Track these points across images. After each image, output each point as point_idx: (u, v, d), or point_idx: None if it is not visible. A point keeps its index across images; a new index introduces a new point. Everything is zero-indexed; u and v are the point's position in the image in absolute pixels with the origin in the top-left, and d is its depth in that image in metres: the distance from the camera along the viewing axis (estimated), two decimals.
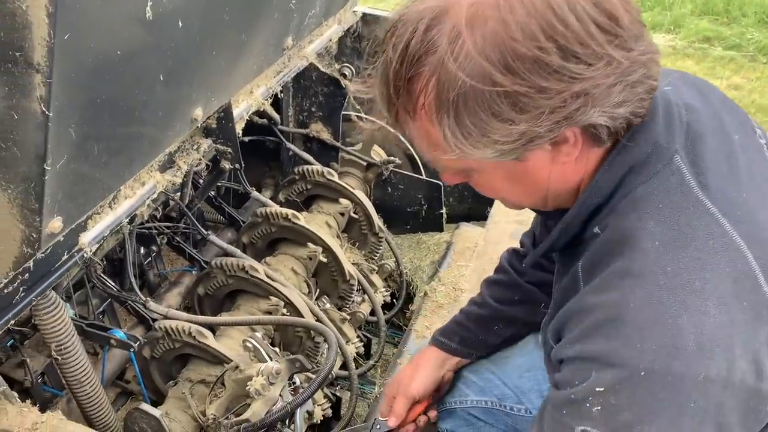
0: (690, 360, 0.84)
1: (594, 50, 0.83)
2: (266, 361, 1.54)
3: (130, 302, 1.71)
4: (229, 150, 1.79)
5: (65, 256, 1.35)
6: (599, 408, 0.89)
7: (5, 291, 1.23)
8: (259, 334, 1.59)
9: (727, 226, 0.90)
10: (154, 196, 1.56)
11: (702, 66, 5.45)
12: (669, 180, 0.93)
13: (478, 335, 1.53)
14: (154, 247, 1.96)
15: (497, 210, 2.42)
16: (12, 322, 1.29)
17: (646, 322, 0.86)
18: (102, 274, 1.71)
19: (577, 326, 0.95)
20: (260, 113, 2.22)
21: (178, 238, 1.97)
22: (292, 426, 1.59)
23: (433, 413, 1.56)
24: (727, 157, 0.97)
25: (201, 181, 2.04)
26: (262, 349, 1.55)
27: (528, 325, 1.53)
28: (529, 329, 1.53)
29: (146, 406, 1.46)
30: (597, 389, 0.89)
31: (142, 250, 1.97)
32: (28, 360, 1.58)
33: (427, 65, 0.85)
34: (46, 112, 0.99)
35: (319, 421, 1.81)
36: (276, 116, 2.30)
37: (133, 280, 1.67)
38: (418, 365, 1.53)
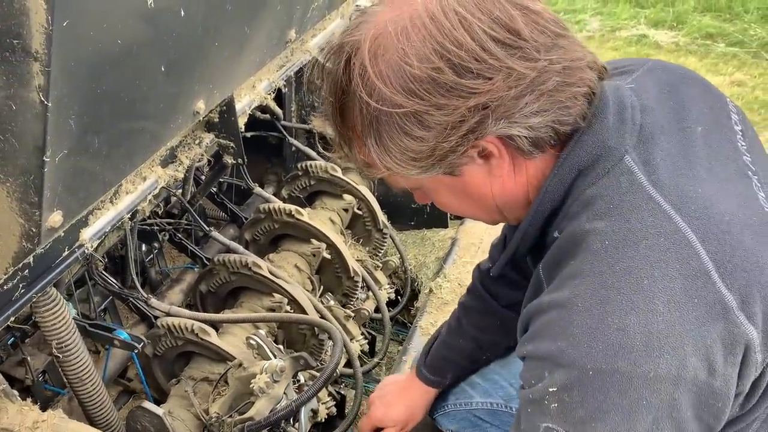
0: (637, 359, 0.84)
1: (491, 64, 0.88)
2: (270, 359, 1.51)
3: (132, 300, 1.68)
4: (232, 145, 1.77)
5: (66, 252, 1.33)
6: (556, 405, 0.90)
7: (5, 287, 1.21)
8: (262, 332, 1.57)
9: (680, 222, 0.89)
10: (156, 191, 1.54)
11: (705, 62, 5.43)
12: (619, 180, 0.94)
13: (469, 367, 1.56)
14: (155, 244, 1.94)
15: None
16: (12, 319, 1.26)
17: (593, 322, 0.86)
18: (103, 271, 1.69)
19: (531, 325, 0.96)
20: (262, 108, 2.19)
21: (179, 235, 1.95)
22: (296, 424, 1.56)
23: None
24: (683, 153, 0.97)
25: (203, 177, 2.02)
26: (265, 347, 1.53)
27: (512, 348, 1.52)
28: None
29: (149, 405, 1.44)
30: (551, 389, 0.90)
31: (143, 247, 1.95)
32: (28, 358, 1.56)
33: (350, 96, 0.94)
34: (45, 103, 0.97)
35: (323, 420, 1.78)
36: (279, 111, 2.28)
37: (134, 277, 1.65)
38: (393, 400, 1.57)
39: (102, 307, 1.78)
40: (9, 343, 1.56)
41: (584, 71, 0.95)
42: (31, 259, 1.21)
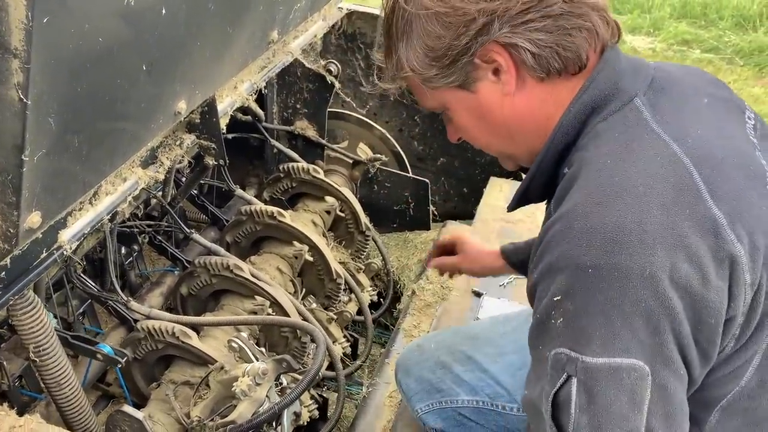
0: (633, 253, 0.88)
1: None
2: (252, 362, 1.50)
3: (111, 303, 1.66)
4: (213, 146, 1.75)
5: (44, 254, 1.31)
6: (561, 320, 0.93)
7: None
8: (244, 334, 1.55)
9: (677, 149, 0.96)
10: (136, 192, 1.52)
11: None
12: (627, 116, 1.01)
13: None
14: (135, 247, 1.91)
15: (484, 208, 2.41)
16: None
17: (592, 224, 0.91)
18: (82, 274, 1.66)
19: (538, 248, 1.00)
20: (244, 110, 2.18)
21: (160, 237, 1.93)
22: (279, 427, 1.55)
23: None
24: (690, 105, 1.04)
25: (183, 179, 2.00)
26: (247, 349, 1.51)
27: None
28: None
29: (129, 409, 1.41)
30: (555, 299, 0.93)
31: (123, 250, 1.92)
32: (4, 363, 1.53)
33: (395, 11, 1.10)
34: (24, 100, 0.95)
35: (306, 423, 1.77)
36: (260, 113, 2.27)
37: (114, 279, 1.63)
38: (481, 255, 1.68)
39: (80, 310, 1.75)
40: None
41: (592, 11, 1.04)
42: (7, 260, 1.19)
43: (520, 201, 1.20)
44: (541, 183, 1.13)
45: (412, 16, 1.07)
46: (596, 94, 1.04)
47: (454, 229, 1.75)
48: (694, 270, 0.88)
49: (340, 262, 2.13)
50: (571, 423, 0.94)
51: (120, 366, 1.51)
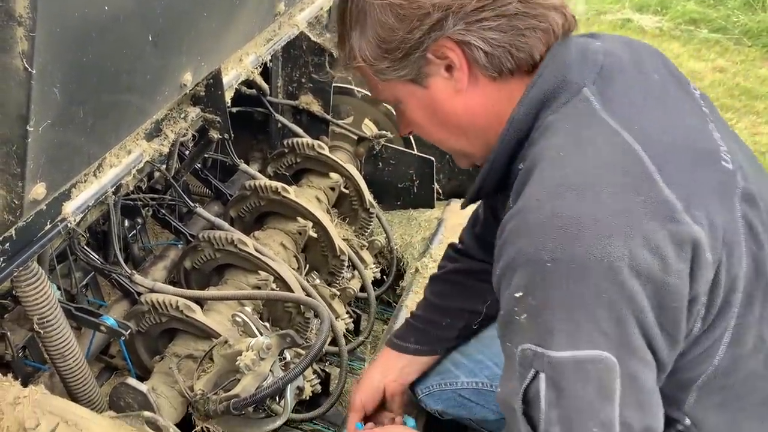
0: (589, 244, 0.87)
1: None
2: (256, 336, 1.50)
3: (115, 275, 1.66)
4: (218, 119, 1.73)
5: (48, 226, 1.30)
6: (525, 316, 0.93)
7: None
8: (248, 309, 1.55)
9: (627, 135, 0.95)
10: (141, 165, 1.51)
11: (688, 48, 5.45)
12: (577, 107, 1.01)
13: (430, 332, 1.56)
14: (139, 220, 1.91)
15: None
16: None
17: (546, 217, 0.90)
18: (86, 247, 1.66)
19: (496, 247, 1.00)
20: (248, 83, 2.16)
21: (163, 211, 1.92)
22: (281, 402, 1.55)
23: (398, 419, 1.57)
24: (638, 90, 1.05)
25: (187, 152, 1.98)
26: (252, 324, 1.51)
27: (476, 314, 1.54)
28: (481, 318, 1.55)
29: (133, 381, 1.42)
30: (516, 295, 0.93)
31: (126, 223, 1.91)
32: (8, 333, 1.53)
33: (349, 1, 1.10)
34: (29, 69, 0.93)
35: (308, 397, 1.78)
36: (265, 86, 2.24)
37: (118, 252, 1.62)
38: (368, 376, 1.56)
39: (84, 282, 1.75)
40: None
41: (548, 11, 1.04)
42: (12, 231, 1.18)
43: (474, 198, 1.21)
44: (495, 180, 1.13)
45: (366, 5, 1.06)
46: (545, 88, 1.04)
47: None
48: (653, 256, 0.88)
49: (343, 239, 2.13)
50: (542, 419, 0.94)
51: (123, 338, 1.51)
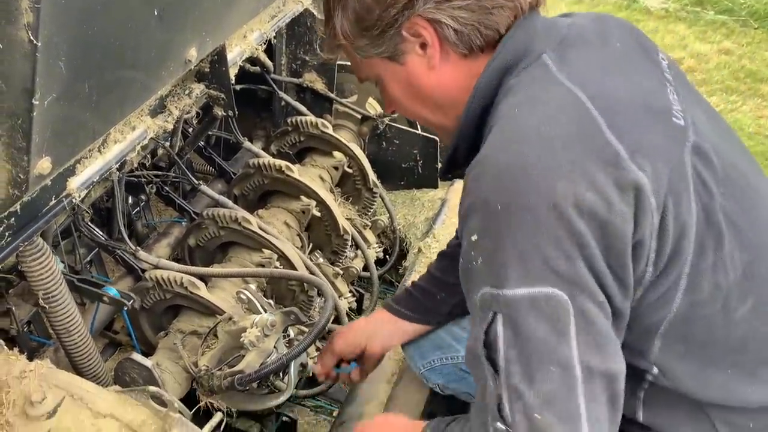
0: (538, 188, 0.92)
1: None
2: (260, 313, 1.51)
3: (119, 252, 1.66)
4: (222, 96, 1.72)
5: (53, 201, 1.30)
6: (480, 260, 0.98)
7: None
8: (253, 286, 1.56)
9: (579, 92, 1.00)
10: (145, 141, 1.50)
11: (694, 29, 5.41)
12: (535, 70, 1.07)
13: (425, 303, 1.59)
14: (143, 197, 1.90)
15: None
16: None
17: (500, 166, 0.96)
18: (90, 223, 1.66)
19: (462, 196, 1.05)
20: (252, 61, 2.14)
21: (167, 188, 1.92)
22: (285, 378, 1.56)
23: (355, 373, 1.62)
24: (596, 55, 1.09)
25: (191, 130, 1.98)
26: (256, 301, 1.52)
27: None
28: None
29: (138, 356, 1.43)
30: (472, 239, 0.98)
31: (130, 200, 1.91)
32: (13, 308, 1.53)
33: None
34: (34, 42, 0.92)
35: (311, 374, 1.79)
36: (269, 64, 2.23)
37: (122, 228, 1.62)
38: (355, 326, 1.60)
39: (88, 258, 1.75)
40: None
41: None
42: (17, 206, 1.18)
43: (448, 167, 1.27)
44: (466, 147, 1.17)
45: None
46: (507, 57, 1.09)
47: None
48: (597, 197, 0.92)
49: (347, 218, 2.13)
50: (501, 359, 0.97)
51: (126, 309, 1.52)
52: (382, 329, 1.61)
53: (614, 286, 0.96)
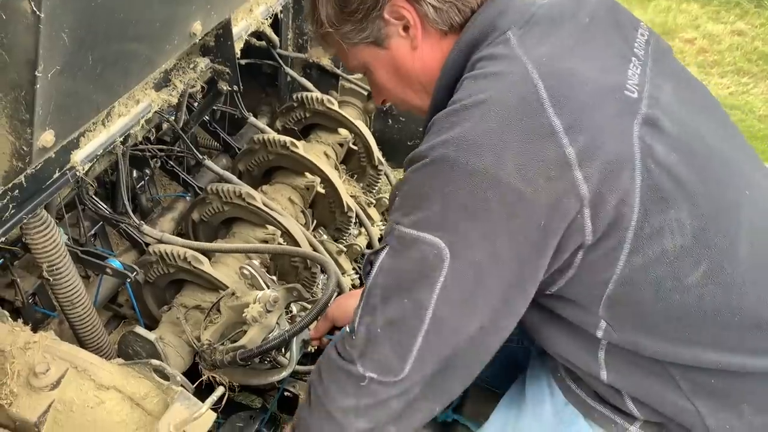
0: (465, 151, 0.99)
1: None
2: (263, 289, 1.51)
3: (123, 225, 1.66)
4: (227, 70, 1.71)
5: (57, 174, 1.30)
6: (399, 197, 1.08)
7: None
8: (256, 262, 1.56)
9: (530, 66, 1.04)
10: (149, 115, 1.50)
11: (707, 10, 5.33)
12: (498, 46, 1.11)
13: None
14: (147, 171, 1.90)
15: None
16: (1, 240, 1.24)
17: (439, 129, 1.04)
18: (94, 196, 1.66)
19: None
20: (258, 35, 2.12)
21: (171, 163, 1.91)
22: (287, 354, 1.57)
23: None
24: (559, 33, 1.12)
25: (196, 104, 1.97)
26: (259, 277, 1.53)
27: None
28: None
29: (141, 330, 1.44)
30: (399, 182, 1.10)
31: (134, 174, 1.91)
32: (18, 280, 1.54)
33: None
34: (37, 13, 0.92)
35: (313, 350, 1.80)
36: (275, 38, 2.21)
37: (126, 202, 1.62)
38: (354, 293, 1.64)
39: (92, 232, 1.75)
40: None
41: None
42: (22, 179, 1.18)
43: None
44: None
45: None
46: (475, 33, 1.13)
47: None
48: (516, 169, 0.98)
49: (351, 196, 2.12)
50: (371, 280, 1.10)
51: (129, 280, 1.52)
52: None
53: (513, 255, 1.02)
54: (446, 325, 1.07)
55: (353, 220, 2.07)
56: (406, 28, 1.17)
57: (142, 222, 1.66)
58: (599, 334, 1.13)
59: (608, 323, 1.12)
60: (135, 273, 1.50)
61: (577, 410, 1.26)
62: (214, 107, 2.04)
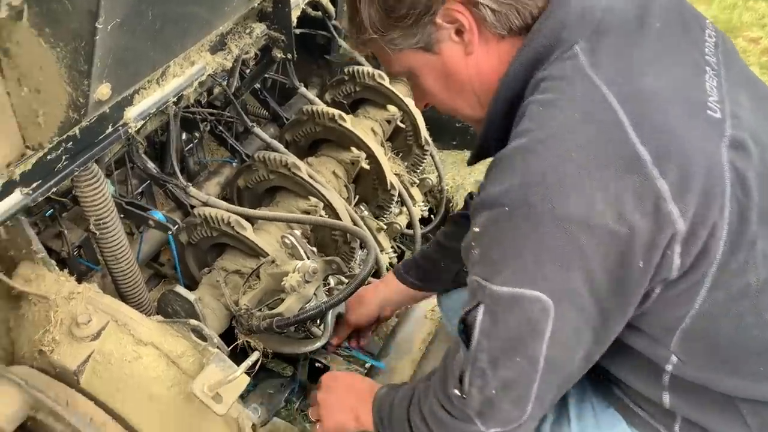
0: (549, 195, 0.91)
1: None
2: (303, 259, 1.51)
3: (170, 186, 1.68)
4: (282, 38, 1.70)
5: (110, 129, 1.31)
6: (478, 250, 1.00)
7: (48, 157, 1.20)
8: (298, 232, 1.56)
9: (605, 89, 0.96)
10: (203, 77, 1.50)
11: None
12: (565, 63, 1.01)
13: (430, 271, 1.64)
14: (196, 134, 1.91)
15: None
16: (53, 190, 1.26)
17: (516, 166, 0.95)
18: (143, 155, 1.67)
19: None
20: (314, 5, 2.11)
21: (221, 128, 1.92)
22: (321, 326, 1.58)
23: (363, 341, 1.74)
24: (630, 44, 1.03)
25: (248, 72, 1.96)
26: (300, 247, 1.52)
27: None
28: None
29: (181, 289, 1.45)
30: (475, 230, 1.00)
31: (183, 136, 1.92)
32: (65, 231, 1.57)
33: None
34: None
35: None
36: (331, 9, 2.18)
37: (174, 163, 1.63)
38: (366, 296, 1.67)
39: (139, 190, 1.78)
40: (47, 215, 1.58)
41: None
42: (76, 131, 1.20)
43: (478, 155, 1.23)
44: (495, 137, 1.12)
45: None
46: (538, 46, 1.04)
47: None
48: (609, 209, 0.91)
49: (395, 174, 2.10)
50: (474, 340, 1.03)
51: (171, 233, 1.53)
52: (392, 297, 1.69)
53: (611, 292, 0.96)
54: (558, 362, 1.02)
55: (395, 199, 2.06)
56: (459, 32, 1.07)
57: (188, 184, 1.67)
58: (668, 367, 1.08)
59: (680, 358, 1.06)
60: (177, 226, 1.51)
61: (619, 414, 1.22)
62: (266, 75, 2.04)
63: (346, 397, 1.41)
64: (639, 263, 0.94)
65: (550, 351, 0.99)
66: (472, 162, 1.28)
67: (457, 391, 1.09)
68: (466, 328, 1.06)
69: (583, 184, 0.91)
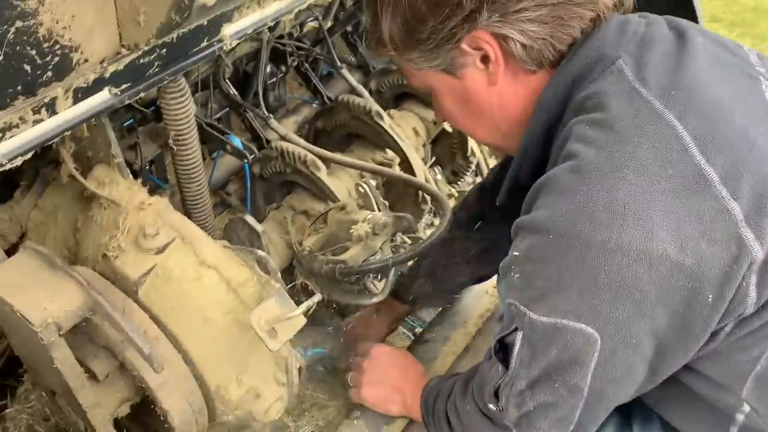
0: (600, 225, 0.83)
1: None
2: (374, 211, 1.46)
3: (251, 115, 1.64)
4: None
5: (205, 43, 1.27)
6: (518, 276, 0.94)
7: (141, 61, 1.16)
8: (373, 183, 1.50)
9: (657, 104, 0.88)
10: (303, 5, 1.44)
11: None
12: (608, 79, 0.94)
13: (422, 288, 1.60)
14: (282, 68, 1.86)
15: None
16: (141, 95, 1.23)
17: (564, 190, 0.88)
18: (228, 80, 1.64)
19: (526, 202, 1.00)
20: None
21: (307, 65, 1.87)
22: (382, 281, 1.52)
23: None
24: (678, 54, 0.95)
25: (341, 13, 1.90)
26: (373, 198, 1.47)
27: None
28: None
29: (250, 218, 1.41)
30: (515, 254, 0.94)
31: (269, 68, 1.88)
32: (141, 144, 1.55)
33: None
34: None
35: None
36: None
37: (260, 91, 1.59)
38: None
39: (218, 116, 1.74)
40: (126, 124, 1.56)
41: (596, 2, 0.95)
42: (173, 36, 1.16)
43: (511, 190, 1.13)
44: (531, 166, 1.07)
45: None
46: (577, 66, 0.96)
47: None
48: (671, 236, 0.82)
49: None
50: (512, 364, 0.97)
51: (247, 161, 1.49)
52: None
53: (672, 330, 0.87)
54: (605, 394, 0.95)
55: (472, 168, 1.98)
56: (485, 59, 1.00)
57: (270, 115, 1.62)
58: (739, 417, 0.99)
59: (753, 407, 0.97)
60: (253, 156, 1.47)
61: None
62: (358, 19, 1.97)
63: (395, 377, 1.39)
64: (708, 298, 0.84)
65: (596, 383, 0.92)
66: (503, 200, 1.17)
67: (492, 406, 1.05)
68: (503, 348, 1.00)
69: (639, 210, 0.83)
